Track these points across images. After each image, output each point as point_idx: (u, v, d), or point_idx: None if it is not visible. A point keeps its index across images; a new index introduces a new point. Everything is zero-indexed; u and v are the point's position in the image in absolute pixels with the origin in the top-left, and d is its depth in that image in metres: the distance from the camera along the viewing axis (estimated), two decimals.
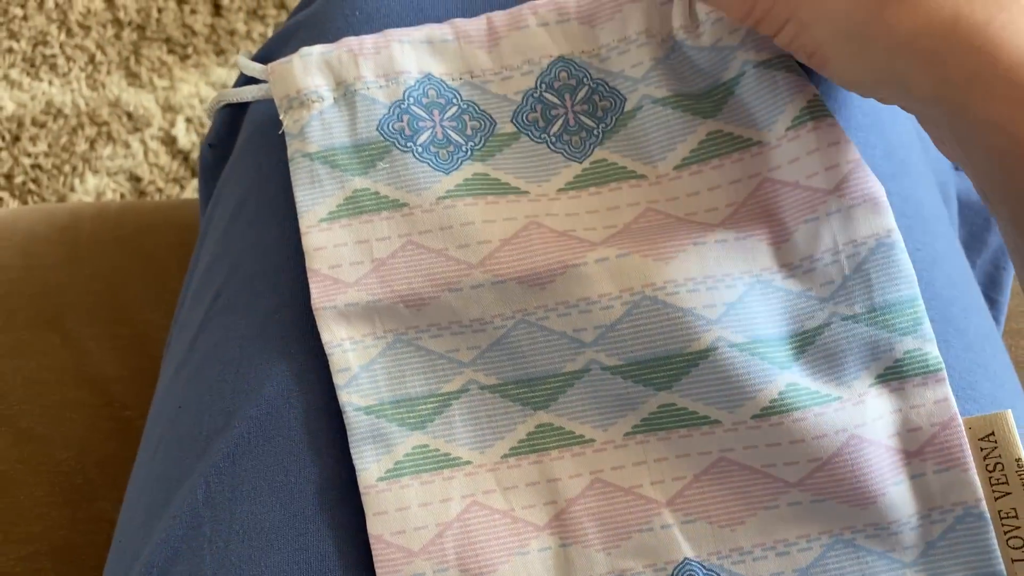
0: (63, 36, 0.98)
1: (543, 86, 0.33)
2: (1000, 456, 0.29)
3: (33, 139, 0.95)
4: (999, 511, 0.28)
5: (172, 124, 0.96)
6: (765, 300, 0.30)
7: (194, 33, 0.98)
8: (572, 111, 0.33)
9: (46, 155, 0.95)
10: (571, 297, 0.30)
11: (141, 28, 0.98)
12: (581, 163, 0.33)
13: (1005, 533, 0.28)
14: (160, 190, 0.95)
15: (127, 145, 0.95)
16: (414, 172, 0.32)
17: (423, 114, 0.33)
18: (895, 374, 0.30)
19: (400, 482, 0.30)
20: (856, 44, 0.26)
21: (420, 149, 0.32)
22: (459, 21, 0.33)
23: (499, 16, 0.33)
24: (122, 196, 0.95)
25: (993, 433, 0.29)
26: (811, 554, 0.29)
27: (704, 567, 0.29)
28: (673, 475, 0.30)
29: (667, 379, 0.30)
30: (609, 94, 0.33)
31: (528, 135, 0.33)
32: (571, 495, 0.30)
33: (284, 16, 0.99)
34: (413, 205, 0.32)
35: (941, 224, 0.35)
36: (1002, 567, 0.28)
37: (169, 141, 0.96)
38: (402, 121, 0.32)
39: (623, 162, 0.32)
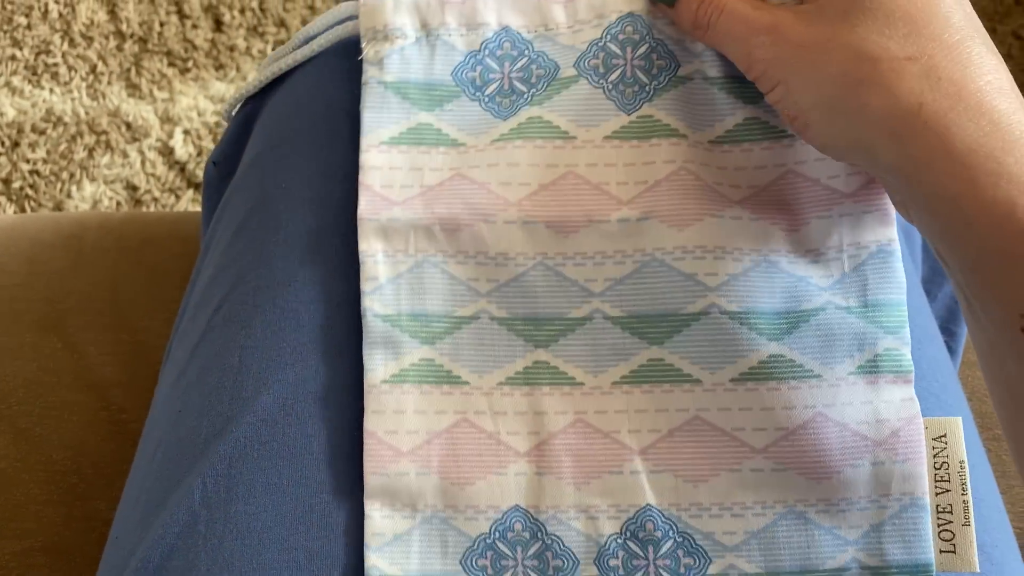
0: (65, 46, 1.00)
1: (608, 36, 0.35)
2: (948, 456, 0.31)
3: (32, 145, 0.97)
4: (937, 505, 0.31)
5: (170, 135, 0.98)
6: (767, 277, 0.33)
7: (195, 47, 1.00)
8: (631, 63, 0.35)
9: (44, 162, 0.96)
10: (589, 249, 0.33)
11: (143, 41, 1.00)
12: (629, 115, 0.35)
13: (939, 526, 0.31)
14: (156, 199, 0.96)
15: (125, 154, 0.97)
16: (477, 119, 0.35)
17: (495, 66, 0.35)
18: (873, 368, 0.32)
19: (402, 387, 0.33)
20: (834, 115, 0.29)
21: (487, 99, 0.35)
22: None
23: None
24: (118, 204, 0.96)
25: (945, 435, 0.32)
26: (764, 519, 0.31)
27: (663, 515, 0.32)
28: (650, 427, 0.32)
29: (661, 335, 0.33)
30: (666, 55, 0.35)
31: (588, 79, 0.35)
32: (554, 429, 0.33)
33: (284, 33, 1.01)
34: (469, 145, 0.34)
35: (903, 259, 0.37)
36: (932, 556, 0.31)
37: (167, 152, 0.97)
38: (475, 71, 0.35)
39: (667, 120, 0.34)
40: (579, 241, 0.33)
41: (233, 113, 0.41)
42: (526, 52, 0.35)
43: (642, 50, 0.35)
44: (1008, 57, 0.98)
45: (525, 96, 0.35)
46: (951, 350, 0.47)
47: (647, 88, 0.35)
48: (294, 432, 0.33)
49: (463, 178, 0.34)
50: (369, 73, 0.35)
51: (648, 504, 0.32)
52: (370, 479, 0.32)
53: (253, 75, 0.39)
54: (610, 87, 0.35)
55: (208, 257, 0.39)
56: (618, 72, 0.35)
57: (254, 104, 0.41)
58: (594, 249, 0.33)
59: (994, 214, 0.26)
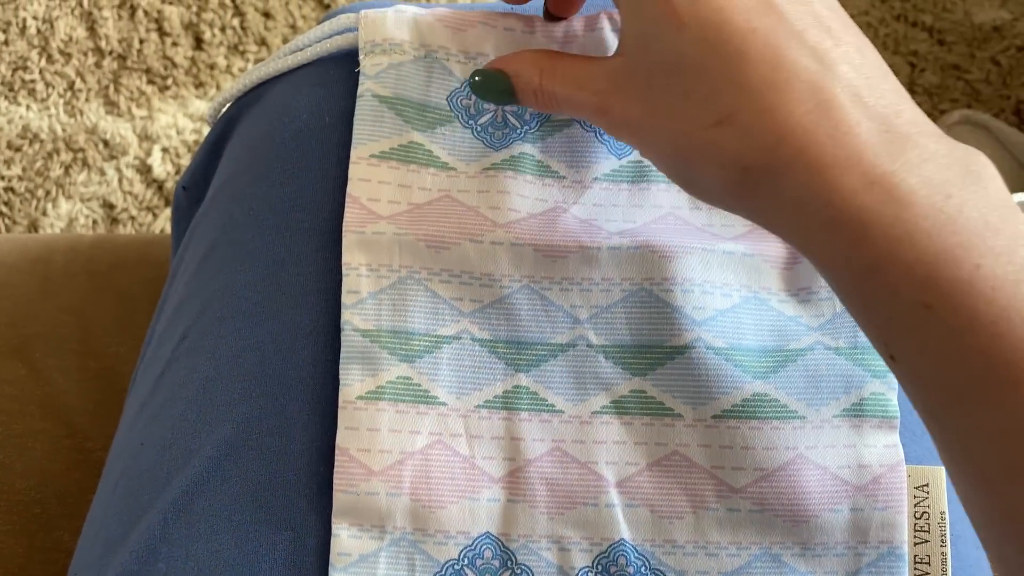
0: (43, 62, 0.99)
1: None
2: (929, 507, 0.31)
3: (8, 162, 0.95)
4: (915, 556, 0.31)
5: (148, 153, 0.97)
6: (756, 314, 0.32)
7: (174, 65, 1.00)
8: None
9: (20, 179, 0.95)
10: (577, 275, 0.33)
11: (122, 58, 1.00)
12: (620, 160, 0.35)
13: None
14: (133, 218, 0.95)
15: (102, 172, 0.96)
16: (469, 146, 0.35)
17: None
18: (858, 411, 0.32)
19: (377, 405, 0.32)
20: (684, 185, 0.28)
21: (479, 128, 0.35)
22: (542, 20, 0.35)
23: (578, 19, 0.35)
24: (94, 223, 0.95)
25: (928, 484, 0.31)
26: (738, 560, 0.31)
27: (637, 551, 0.31)
28: (628, 459, 0.32)
29: (644, 367, 0.32)
30: None
31: (580, 124, 0.35)
32: (530, 456, 0.32)
33: (265, 52, 1.01)
34: (460, 170, 0.34)
35: None
36: None
37: (144, 170, 0.97)
38: (470, 99, 0.35)
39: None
40: (567, 266, 0.33)
41: (218, 116, 0.40)
42: None
43: None
44: (987, 82, 0.99)
45: (519, 131, 0.35)
46: None
47: None
48: (258, 466, 0.32)
49: (452, 200, 0.34)
50: (366, 86, 0.34)
51: (622, 538, 0.31)
52: (339, 497, 0.31)
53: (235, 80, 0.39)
54: (600, 132, 0.35)
55: (175, 284, 0.38)
56: None
57: (224, 126, 0.40)
58: (581, 275, 0.33)
59: (840, 252, 0.24)
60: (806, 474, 0.31)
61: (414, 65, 0.35)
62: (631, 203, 0.34)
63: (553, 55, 0.31)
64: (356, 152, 0.34)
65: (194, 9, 1.01)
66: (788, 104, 0.24)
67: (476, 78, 0.32)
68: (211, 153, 0.40)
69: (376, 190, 0.34)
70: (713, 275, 0.32)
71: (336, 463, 0.32)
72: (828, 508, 0.31)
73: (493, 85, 0.32)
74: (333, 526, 0.31)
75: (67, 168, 0.96)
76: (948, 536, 0.30)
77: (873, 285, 0.23)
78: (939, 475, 0.31)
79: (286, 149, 0.36)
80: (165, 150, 0.97)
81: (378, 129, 0.34)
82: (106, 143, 0.97)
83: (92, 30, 1.00)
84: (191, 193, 0.42)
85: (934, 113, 0.99)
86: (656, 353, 0.32)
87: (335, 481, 0.31)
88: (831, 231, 0.24)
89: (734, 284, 0.32)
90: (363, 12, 0.35)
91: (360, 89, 0.35)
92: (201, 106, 0.99)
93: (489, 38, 0.35)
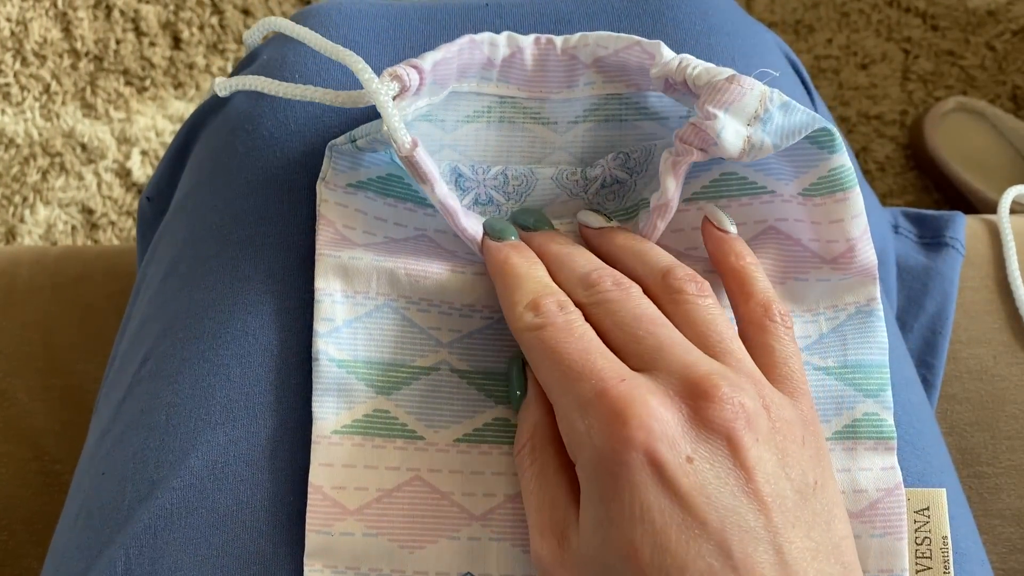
0: (18, 65, 0.97)
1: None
2: (930, 531, 0.29)
3: None
4: None
5: (127, 156, 0.95)
6: None
7: (152, 66, 0.97)
8: (610, 170, 0.33)
9: None
10: None
11: (98, 59, 0.97)
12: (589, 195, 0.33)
13: None
14: (113, 223, 0.93)
15: (80, 177, 0.94)
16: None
17: (470, 174, 0.33)
18: (851, 433, 0.30)
19: (353, 439, 0.30)
20: None
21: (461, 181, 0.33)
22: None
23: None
24: (73, 229, 0.93)
25: (928, 508, 0.29)
26: None
27: None
28: None
29: None
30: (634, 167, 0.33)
31: (568, 191, 0.33)
32: (511, 492, 0.31)
33: (245, 51, 0.99)
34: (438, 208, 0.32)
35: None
36: None
37: (123, 173, 0.95)
38: (451, 179, 0.33)
39: (645, 194, 0.32)
40: None
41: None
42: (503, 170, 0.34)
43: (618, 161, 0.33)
44: (982, 68, 0.97)
45: (501, 208, 0.33)
46: (928, 383, 0.45)
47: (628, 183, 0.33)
48: (224, 498, 0.30)
49: (429, 239, 0.32)
50: (361, 143, 0.32)
51: None
52: (312, 537, 0.30)
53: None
54: (590, 197, 0.33)
55: (138, 302, 0.36)
56: (599, 170, 0.33)
57: (188, 134, 0.38)
58: None
59: None
60: None
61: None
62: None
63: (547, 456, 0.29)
64: (334, 177, 0.32)
65: (171, 8, 0.99)
66: None
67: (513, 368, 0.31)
68: (175, 162, 0.39)
69: (352, 217, 0.32)
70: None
71: (309, 502, 0.30)
72: None
73: (515, 381, 0.31)
74: (306, 568, 0.30)
75: (44, 173, 0.94)
76: (951, 562, 0.28)
77: None
78: (940, 497, 0.30)
79: (250, 159, 0.34)
80: (144, 153, 0.95)
81: (357, 160, 0.32)
82: (84, 147, 0.95)
83: (67, 31, 0.98)
84: (155, 204, 0.40)
85: (929, 100, 0.97)
86: None
87: (308, 520, 0.30)
88: None
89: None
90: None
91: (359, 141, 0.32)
92: (180, 107, 0.97)
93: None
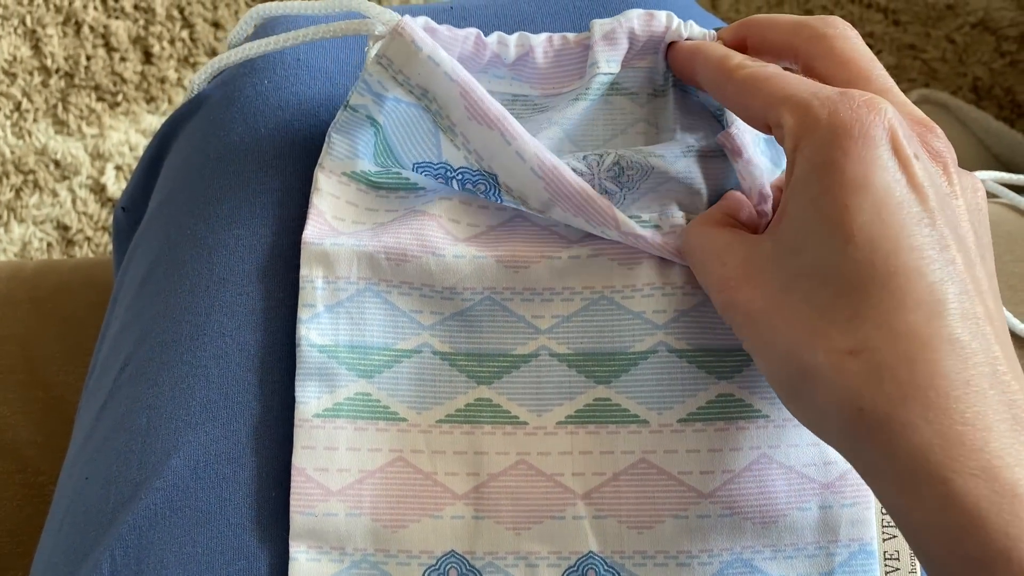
0: None
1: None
2: None
3: None
4: (884, 552, 0.30)
5: (101, 172, 0.95)
6: (717, 314, 0.31)
7: (124, 81, 0.97)
8: (600, 179, 0.33)
9: None
10: (538, 285, 0.32)
11: (69, 76, 0.97)
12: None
13: (887, 573, 0.30)
14: (89, 239, 0.93)
15: (55, 193, 0.94)
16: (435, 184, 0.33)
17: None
18: None
19: (335, 423, 0.31)
20: (788, 397, 0.27)
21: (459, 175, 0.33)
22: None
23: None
24: (49, 246, 0.93)
25: None
26: (710, 568, 0.30)
27: (606, 563, 0.30)
28: (594, 469, 0.31)
29: (608, 374, 0.31)
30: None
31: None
32: (494, 471, 0.31)
33: (225, 47, 0.99)
34: (428, 188, 0.33)
35: None
36: None
37: (98, 189, 0.95)
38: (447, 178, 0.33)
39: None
40: (529, 276, 0.32)
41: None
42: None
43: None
44: (943, 60, 0.99)
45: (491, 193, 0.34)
46: None
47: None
48: (207, 496, 0.31)
49: (416, 214, 0.33)
50: (354, 100, 0.32)
51: (591, 551, 0.30)
52: (296, 518, 0.30)
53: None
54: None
55: (116, 310, 0.37)
56: None
57: (160, 143, 0.39)
58: (543, 285, 0.32)
59: (945, 535, 0.23)
60: (772, 473, 0.30)
61: (413, 108, 0.32)
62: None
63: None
64: (331, 164, 0.33)
65: (141, 23, 0.99)
66: (938, 361, 0.24)
67: None
68: (148, 172, 0.39)
69: (343, 209, 0.33)
70: (673, 277, 0.31)
71: (292, 483, 0.30)
72: (796, 507, 0.30)
73: None
74: (291, 549, 0.30)
75: (18, 191, 0.94)
76: None
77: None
78: None
79: (222, 164, 0.35)
80: (119, 168, 0.95)
81: (358, 146, 0.33)
82: (57, 163, 0.95)
83: (37, 48, 0.98)
84: (130, 214, 0.40)
85: None
86: (620, 360, 0.31)
87: (292, 502, 0.30)
88: (942, 511, 0.23)
89: (693, 283, 0.32)
90: (402, 28, 0.31)
91: (352, 100, 0.32)
92: (154, 121, 0.97)
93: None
